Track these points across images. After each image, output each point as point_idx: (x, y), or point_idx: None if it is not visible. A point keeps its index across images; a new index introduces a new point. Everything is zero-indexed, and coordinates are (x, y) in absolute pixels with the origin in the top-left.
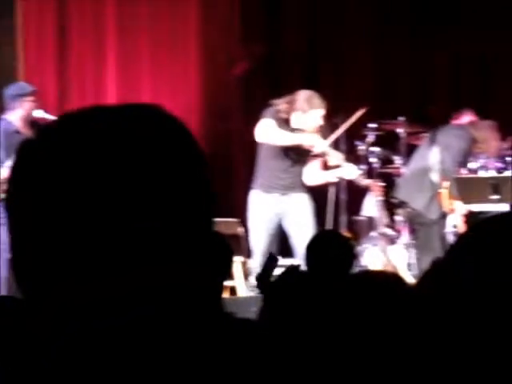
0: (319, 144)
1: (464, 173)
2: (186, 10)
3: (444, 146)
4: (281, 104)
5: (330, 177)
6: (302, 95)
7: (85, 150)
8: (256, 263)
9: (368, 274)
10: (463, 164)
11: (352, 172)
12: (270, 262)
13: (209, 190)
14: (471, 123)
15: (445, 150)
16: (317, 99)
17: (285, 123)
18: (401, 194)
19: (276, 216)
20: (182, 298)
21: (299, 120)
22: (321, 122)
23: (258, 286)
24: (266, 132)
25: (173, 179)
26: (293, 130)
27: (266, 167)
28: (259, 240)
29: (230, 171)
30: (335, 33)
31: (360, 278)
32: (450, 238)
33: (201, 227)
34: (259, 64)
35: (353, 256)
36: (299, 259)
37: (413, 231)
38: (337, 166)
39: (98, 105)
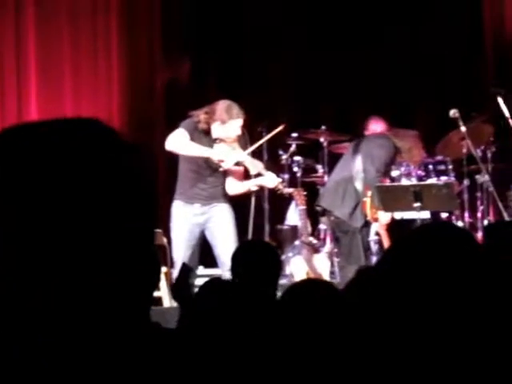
0: (229, 159)
1: (387, 181)
2: (107, 21)
3: (367, 155)
4: (200, 115)
5: (251, 185)
6: (221, 105)
7: (16, 165)
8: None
9: (301, 283)
10: (386, 173)
11: (272, 180)
12: (183, 273)
13: (146, 202)
14: (394, 132)
15: (367, 160)
16: (236, 109)
17: (205, 134)
18: (324, 202)
19: (197, 227)
20: (110, 312)
21: (219, 130)
22: (239, 131)
23: (173, 297)
24: (174, 141)
25: (104, 192)
26: (214, 141)
27: (185, 178)
28: (181, 251)
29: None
30: (259, 42)
31: (296, 287)
32: (373, 247)
33: (132, 239)
34: (182, 74)
35: (279, 264)
36: (223, 269)
37: (336, 239)
38: (258, 175)
39: (37, 120)
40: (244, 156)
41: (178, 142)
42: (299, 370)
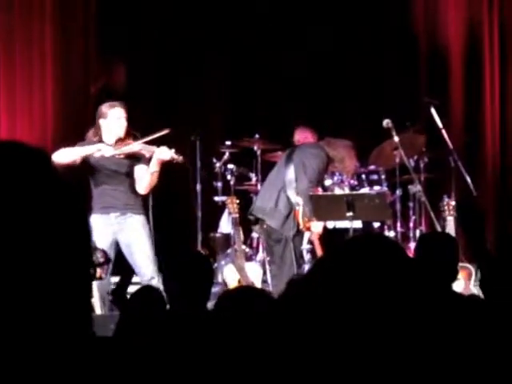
0: (105, 149)
1: (319, 190)
2: (41, 26)
3: (299, 164)
4: (88, 134)
5: (152, 168)
6: (102, 106)
7: None
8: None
9: (234, 291)
10: (319, 182)
11: (165, 152)
12: (124, 279)
13: (70, 218)
14: (327, 142)
15: (300, 169)
16: (115, 102)
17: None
18: (257, 211)
19: (113, 235)
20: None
21: (108, 131)
22: (123, 121)
23: (113, 302)
24: (57, 154)
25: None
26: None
27: (98, 190)
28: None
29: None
30: (194, 48)
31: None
32: (306, 255)
33: (59, 254)
34: (118, 80)
35: (211, 274)
36: (142, 279)
37: (269, 248)
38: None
39: None
40: (136, 146)
41: (59, 153)
42: (234, 377)
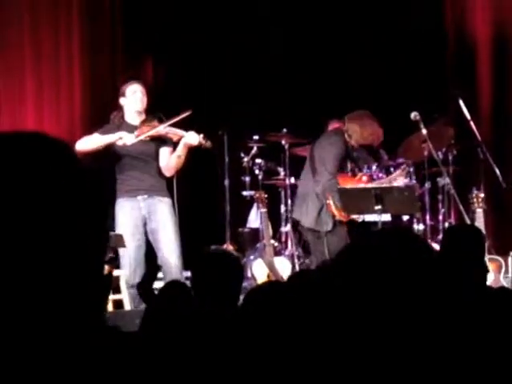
0: (127, 137)
1: (347, 175)
2: (69, 25)
3: (319, 157)
4: (112, 116)
5: (178, 152)
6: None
7: None
8: (126, 273)
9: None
10: (343, 167)
11: (193, 137)
12: (150, 272)
13: (92, 212)
14: (344, 122)
15: (320, 162)
16: (132, 80)
17: (126, 128)
18: (294, 212)
19: (142, 220)
20: (60, 315)
21: (128, 108)
22: (140, 94)
23: (139, 295)
24: (79, 142)
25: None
26: (135, 128)
27: (123, 174)
28: (128, 249)
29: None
30: (221, 46)
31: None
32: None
33: (81, 247)
34: (145, 76)
35: (241, 274)
36: (162, 264)
37: (300, 242)
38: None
39: None
40: (163, 129)
41: (82, 140)
42: (265, 372)
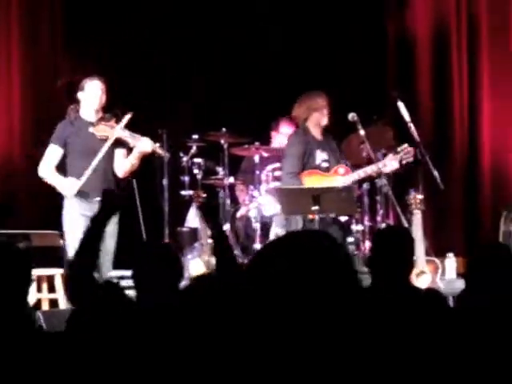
0: (68, 190)
1: (317, 172)
2: (6, 27)
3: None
4: (68, 110)
5: (132, 159)
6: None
7: None
8: None
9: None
10: (306, 164)
11: (147, 144)
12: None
13: None
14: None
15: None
16: (94, 76)
17: (81, 123)
18: None
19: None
20: None
21: (85, 104)
22: (99, 92)
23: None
24: (41, 171)
25: None
26: (91, 124)
27: (75, 174)
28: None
29: None
30: (161, 42)
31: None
32: None
33: None
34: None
35: (181, 269)
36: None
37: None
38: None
39: None
40: (118, 132)
41: (43, 172)
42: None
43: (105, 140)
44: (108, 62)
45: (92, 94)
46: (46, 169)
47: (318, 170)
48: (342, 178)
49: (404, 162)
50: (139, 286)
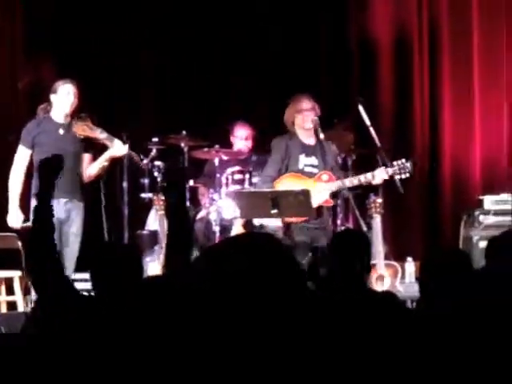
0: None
1: (298, 175)
2: None
3: None
4: (38, 110)
5: (103, 161)
6: (56, 82)
7: None
8: None
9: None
10: (287, 167)
11: (120, 148)
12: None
13: None
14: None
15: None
16: (67, 79)
17: (51, 123)
18: None
19: (58, 222)
20: None
21: (56, 106)
22: (72, 97)
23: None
24: (11, 177)
25: None
26: (60, 126)
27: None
28: None
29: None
30: (124, 45)
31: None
32: None
33: None
34: (46, 74)
35: (141, 270)
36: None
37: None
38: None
39: None
40: (100, 134)
41: (11, 181)
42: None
43: (82, 140)
44: (68, 64)
45: (64, 97)
46: (15, 176)
47: (299, 174)
48: (324, 184)
49: (398, 177)
50: (97, 286)
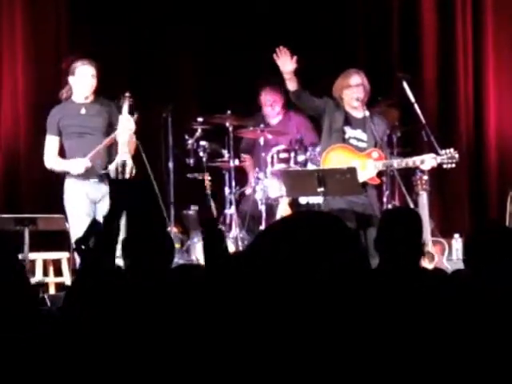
0: (76, 167)
1: (350, 148)
2: (11, 24)
3: None
4: (61, 93)
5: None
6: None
7: None
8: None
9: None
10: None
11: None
12: (91, 228)
13: None
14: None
15: None
16: (85, 60)
17: (74, 104)
18: None
19: (92, 202)
20: None
21: (74, 87)
22: (90, 78)
23: (77, 250)
24: (47, 162)
25: None
26: (82, 105)
27: (71, 154)
28: (80, 228)
29: None
30: (167, 22)
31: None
32: None
33: None
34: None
35: (172, 248)
36: None
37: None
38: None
39: None
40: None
41: (48, 164)
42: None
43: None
44: (110, 45)
45: (82, 79)
46: (50, 160)
47: (351, 147)
48: (373, 161)
49: (445, 166)
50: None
